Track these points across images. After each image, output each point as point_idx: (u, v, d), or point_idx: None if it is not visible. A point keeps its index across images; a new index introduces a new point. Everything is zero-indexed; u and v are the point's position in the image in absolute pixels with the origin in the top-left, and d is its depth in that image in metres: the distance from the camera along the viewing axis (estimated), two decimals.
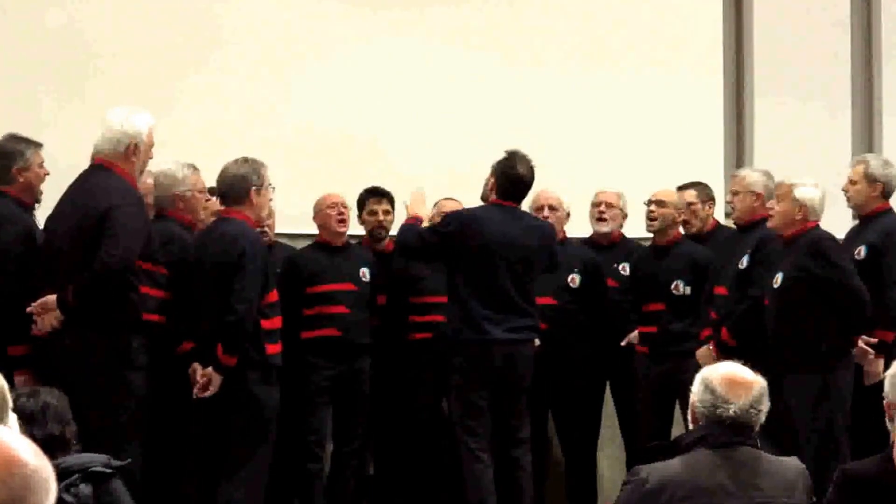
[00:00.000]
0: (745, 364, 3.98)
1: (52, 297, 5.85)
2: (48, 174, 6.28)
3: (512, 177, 6.84)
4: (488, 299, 6.70)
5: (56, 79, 7.78)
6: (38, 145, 6.27)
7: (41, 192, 6.30)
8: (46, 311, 5.86)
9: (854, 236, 7.08)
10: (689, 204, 7.63)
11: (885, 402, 3.89)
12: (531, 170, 6.86)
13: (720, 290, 7.05)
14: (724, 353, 6.31)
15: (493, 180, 6.93)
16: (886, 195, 7.10)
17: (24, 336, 5.97)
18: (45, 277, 5.95)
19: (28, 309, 5.89)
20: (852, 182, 7.08)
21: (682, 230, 7.60)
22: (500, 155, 6.91)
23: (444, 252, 6.80)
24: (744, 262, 6.94)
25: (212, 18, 8.13)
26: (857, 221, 7.31)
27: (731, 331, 6.84)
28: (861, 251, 6.90)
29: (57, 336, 5.87)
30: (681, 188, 7.66)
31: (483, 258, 6.71)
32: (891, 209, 7.13)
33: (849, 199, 7.13)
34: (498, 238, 6.73)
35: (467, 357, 6.71)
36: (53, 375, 5.54)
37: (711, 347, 6.88)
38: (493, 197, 6.95)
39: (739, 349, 6.28)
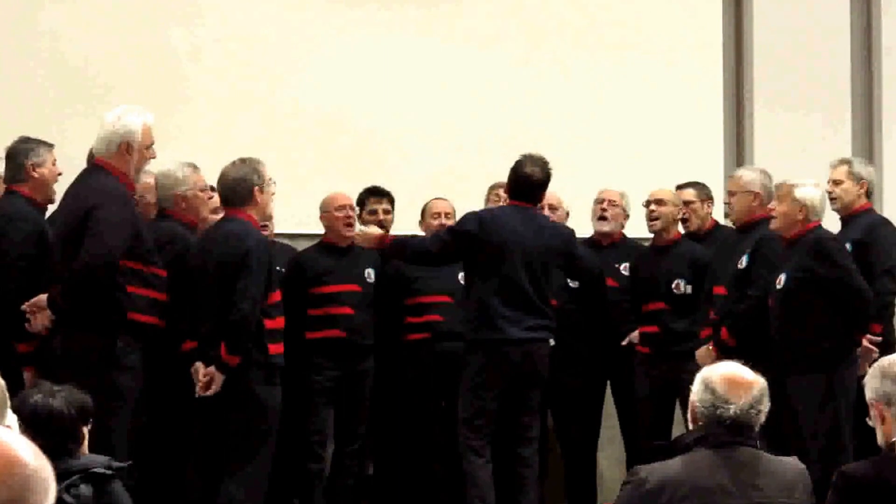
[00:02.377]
0: (745, 364, 3.98)
1: (44, 297, 5.87)
2: (61, 174, 6.30)
3: (520, 176, 6.89)
4: (506, 298, 6.72)
5: (56, 79, 7.77)
6: (51, 146, 6.32)
7: (54, 192, 6.32)
8: (39, 310, 5.88)
9: (838, 237, 7.08)
10: (689, 203, 7.63)
11: (869, 402, 3.92)
12: (543, 170, 6.90)
13: (719, 290, 7.05)
14: (723, 353, 6.31)
15: (506, 184, 6.98)
16: (869, 194, 7.17)
17: (33, 333, 6.01)
18: (46, 277, 5.97)
19: (23, 307, 5.91)
20: (837, 182, 7.14)
21: (681, 229, 7.61)
22: (502, 155, 6.96)
23: (462, 252, 6.82)
24: (743, 262, 6.94)
25: (212, 18, 8.13)
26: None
27: (731, 330, 6.84)
28: (846, 247, 6.92)
29: (50, 336, 5.90)
30: (679, 187, 7.67)
31: (501, 257, 6.73)
32: (872, 208, 7.21)
33: (834, 200, 7.16)
34: (515, 237, 6.76)
35: (485, 356, 6.72)
36: (48, 374, 5.56)
37: (711, 347, 6.88)
38: (506, 199, 7.00)
39: (739, 349, 6.28)
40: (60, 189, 6.29)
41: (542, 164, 6.90)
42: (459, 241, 6.82)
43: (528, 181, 6.89)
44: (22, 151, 6.25)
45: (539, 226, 6.91)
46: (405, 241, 7.08)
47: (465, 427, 6.74)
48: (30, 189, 6.24)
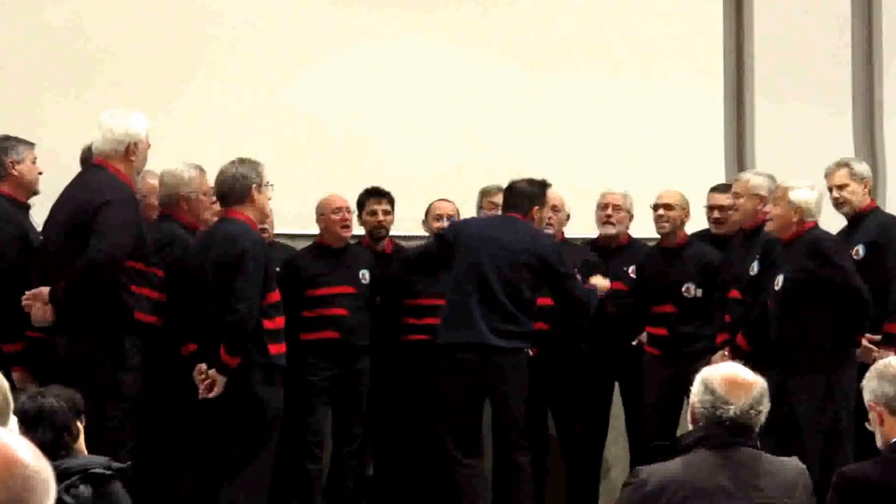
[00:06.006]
0: (753, 367, 3.97)
1: (46, 288, 5.87)
2: (41, 173, 6.31)
3: (506, 188, 6.98)
4: (476, 301, 6.68)
5: (56, 77, 7.78)
6: (31, 144, 6.32)
7: (36, 188, 6.31)
8: (38, 301, 5.87)
9: (845, 237, 7.05)
10: (722, 207, 7.51)
11: (867, 404, 3.92)
12: (531, 182, 6.92)
13: (734, 295, 7.02)
14: (739, 359, 6.29)
15: None
16: (871, 192, 7.16)
17: (20, 333, 6.01)
18: (42, 275, 5.96)
19: (23, 298, 5.91)
20: (842, 186, 7.07)
21: (689, 230, 7.57)
22: (502, 157, 6.96)
23: (444, 258, 6.85)
24: (754, 268, 6.92)
25: (213, 18, 8.13)
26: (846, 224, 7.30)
27: (747, 336, 6.81)
28: (859, 250, 6.90)
29: (52, 336, 5.89)
30: (713, 190, 7.60)
31: (469, 261, 6.72)
32: (877, 207, 7.17)
33: (843, 204, 7.10)
34: (484, 242, 6.74)
35: (444, 360, 6.73)
36: (49, 374, 5.56)
37: (727, 353, 6.82)
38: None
39: (755, 354, 6.26)
40: (44, 187, 6.30)
41: (531, 180, 6.93)
42: (439, 246, 6.91)
43: (510, 191, 6.94)
44: (1, 149, 6.25)
45: (516, 235, 6.81)
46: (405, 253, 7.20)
47: (444, 434, 6.76)
48: (9, 187, 6.23)
